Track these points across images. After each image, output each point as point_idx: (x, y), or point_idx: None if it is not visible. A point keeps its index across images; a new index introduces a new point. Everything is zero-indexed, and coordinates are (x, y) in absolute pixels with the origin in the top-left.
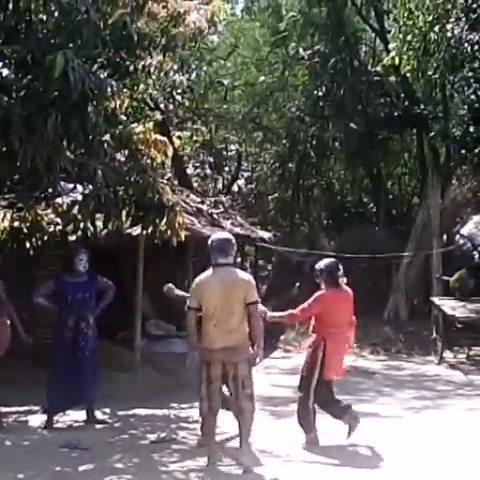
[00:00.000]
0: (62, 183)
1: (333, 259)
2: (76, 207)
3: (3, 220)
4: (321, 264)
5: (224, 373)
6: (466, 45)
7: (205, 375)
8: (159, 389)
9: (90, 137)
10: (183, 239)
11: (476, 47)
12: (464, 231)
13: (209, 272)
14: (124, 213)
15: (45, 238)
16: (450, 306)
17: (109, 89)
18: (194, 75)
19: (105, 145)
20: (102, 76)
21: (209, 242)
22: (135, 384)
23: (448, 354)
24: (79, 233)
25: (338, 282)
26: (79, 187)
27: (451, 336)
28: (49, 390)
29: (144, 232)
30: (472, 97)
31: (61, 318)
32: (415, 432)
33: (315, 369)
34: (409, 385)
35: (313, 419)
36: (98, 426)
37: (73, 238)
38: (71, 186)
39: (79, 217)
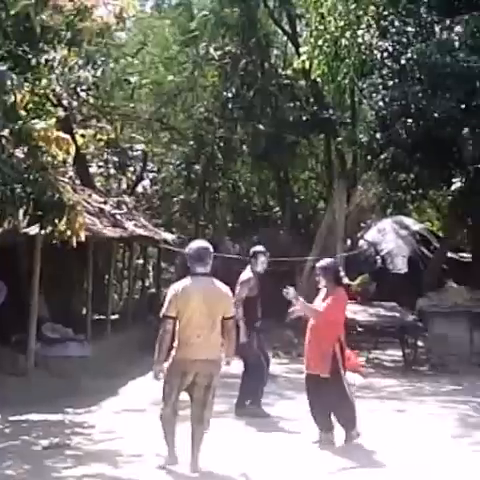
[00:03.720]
0: None
1: (335, 259)
2: None
3: None
4: (324, 263)
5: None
6: (376, 52)
7: (177, 384)
8: (54, 394)
9: None
10: (83, 240)
11: (386, 54)
12: (368, 237)
13: (188, 280)
14: (21, 212)
15: None
16: (351, 310)
17: (9, 82)
18: (100, 72)
19: (3, 141)
20: (2, 68)
21: (187, 250)
22: (28, 389)
23: None
24: None
25: (342, 281)
26: None
27: (352, 339)
28: None
29: (42, 232)
30: (380, 104)
31: None
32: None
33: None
34: None
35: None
36: None
37: None
38: None
39: None
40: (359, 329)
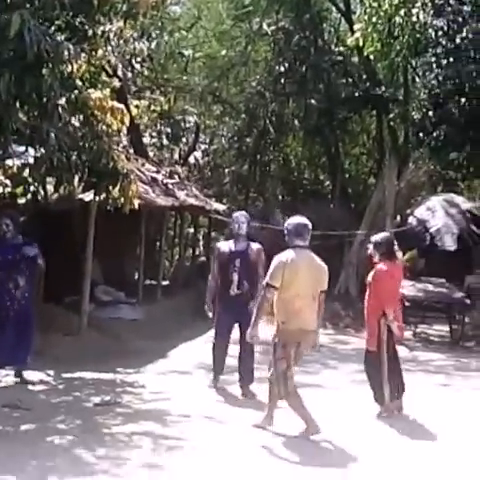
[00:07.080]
0: (13, 145)
1: (388, 233)
2: (27, 170)
3: None
4: (378, 237)
5: None
6: (430, 30)
7: (290, 354)
8: (105, 354)
9: (44, 99)
10: (136, 207)
11: (440, 33)
12: (417, 213)
13: (292, 253)
14: (77, 178)
15: None
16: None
17: (66, 52)
18: (154, 44)
19: (60, 109)
20: (59, 39)
21: (286, 225)
22: (81, 348)
23: None
24: (29, 196)
25: (395, 255)
26: (31, 150)
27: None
28: None
29: (96, 198)
30: (433, 82)
31: None
32: (354, 403)
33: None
34: (353, 359)
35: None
36: (39, 387)
37: (23, 201)
38: (23, 149)
39: (30, 180)
40: (406, 303)
